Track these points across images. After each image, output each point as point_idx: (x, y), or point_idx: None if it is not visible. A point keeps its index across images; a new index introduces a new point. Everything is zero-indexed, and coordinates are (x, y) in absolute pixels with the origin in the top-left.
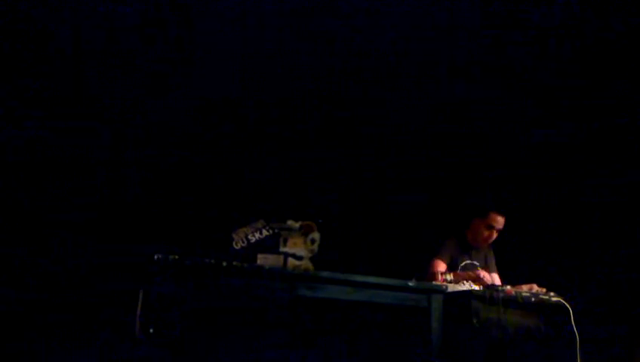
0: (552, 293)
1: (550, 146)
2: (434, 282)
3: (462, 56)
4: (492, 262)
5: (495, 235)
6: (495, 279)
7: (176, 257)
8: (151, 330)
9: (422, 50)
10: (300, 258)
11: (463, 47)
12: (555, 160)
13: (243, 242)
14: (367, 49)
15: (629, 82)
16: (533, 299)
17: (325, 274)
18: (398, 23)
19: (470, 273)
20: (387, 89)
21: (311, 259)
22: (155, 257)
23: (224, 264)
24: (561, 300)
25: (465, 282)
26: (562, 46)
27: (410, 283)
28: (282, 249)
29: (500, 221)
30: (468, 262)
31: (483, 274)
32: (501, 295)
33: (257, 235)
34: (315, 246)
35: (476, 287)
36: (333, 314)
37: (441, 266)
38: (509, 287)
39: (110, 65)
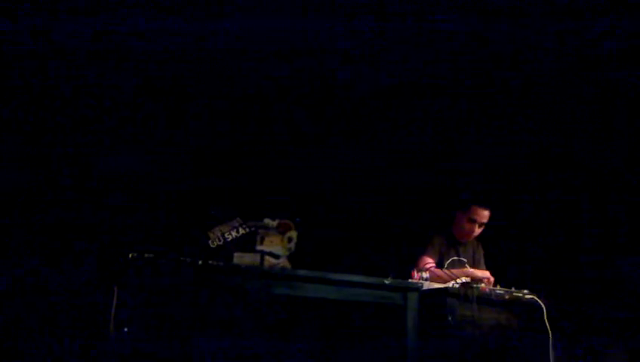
0: (525, 291)
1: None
2: (410, 280)
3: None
4: (481, 258)
5: (478, 229)
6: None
7: (152, 255)
8: (125, 329)
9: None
10: (277, 256)
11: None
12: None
13: (219, 240)
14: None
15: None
16: (507, 297)
17: (302, 272)
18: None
19: (476, 272)
20: (368, 87)
21: (288, 258)
22: (130, 255)
23: (200, 262)
24: (535, 297)
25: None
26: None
27: (387, 281)
28: (259, 247)
29: (482, 214)
30: (455, 258)
31: (482, 273)
32: (475, 292)
33: (234, 233)
34: (293, 245)
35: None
36: (310, 313)
37: (430, 264)
38: (483, 285)
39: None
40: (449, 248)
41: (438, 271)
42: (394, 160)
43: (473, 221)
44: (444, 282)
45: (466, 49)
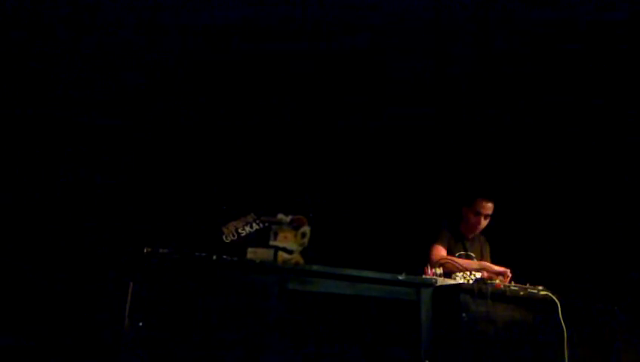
0: (540, 287)
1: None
2: (424, 276)
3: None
4: (487, 252)
5: (484, 222)
6: None
7: (166, 250)
8: (140, 324)
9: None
10: (290, 252)
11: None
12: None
13: (233, 235)
14: (359, 40)
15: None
16: (521, 293)
17: (316, 267)
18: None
19: (494, 266)
20: (376, 82)
21: (301, 253)
22: (145, 250)
23: (214, 257)
24: (549, 294)
25: (459, 274)
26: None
27: (400, 277)
28: (272, 243)
29: (487, 206)
30: (462, 253)
31: (499, 268)
32: (490, 289)
33: (247, 229)
34: (306, 240)
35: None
36: (323, 308)
37: (442, 251)
38: (497, 281)
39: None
40: (456, 243)
41: (456, 260)
42: (406, 154)
43: (478, 214)
44: (461, 271)
45: (469, 43)
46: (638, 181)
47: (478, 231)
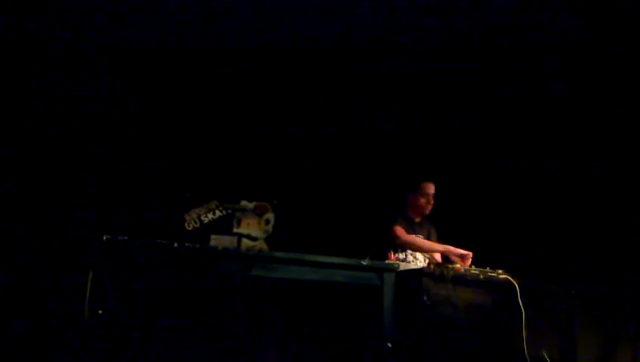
0: (499, 271)
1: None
2: (386, 261)
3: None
4: (435, 236)
5: (432, 202)
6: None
7: (126, 238)
8: (100, 312)
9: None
10: (254, 238)
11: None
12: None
13: (195, 223)
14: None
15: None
16: (481, 277)
17: (279, 254)
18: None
19: (457, 249)
20: (335, 73)
21: (265, 240)
22: (104, 238)
23: (175, 245)
24: (509, 277)
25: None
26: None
27: (364, 262)
28: (236, 230)
29: (431, 187)
30: (413, 235)
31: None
32: (451, 273)
33: (210, 216)
34: (270, 227)
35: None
36: (287, 294)
37: (404, 232)
38: (458, 265)
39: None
40: (409, 227)
41: (422, 241)
42: (368, 141)
43: (426, 195)
44: (425, 252)
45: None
46: (596, 161)
47: (427, 213)
